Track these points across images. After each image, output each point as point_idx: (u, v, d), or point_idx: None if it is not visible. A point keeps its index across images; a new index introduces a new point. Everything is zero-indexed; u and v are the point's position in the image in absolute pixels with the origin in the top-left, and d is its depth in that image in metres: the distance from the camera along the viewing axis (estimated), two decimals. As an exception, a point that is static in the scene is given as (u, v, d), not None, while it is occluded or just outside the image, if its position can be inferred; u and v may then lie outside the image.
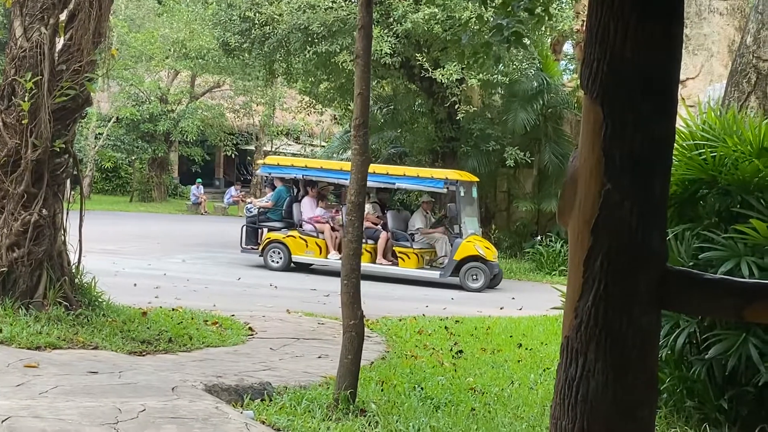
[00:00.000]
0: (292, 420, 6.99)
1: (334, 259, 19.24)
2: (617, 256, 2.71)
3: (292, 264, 19.64)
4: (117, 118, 37.87)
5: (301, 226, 19.95)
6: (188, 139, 38.97)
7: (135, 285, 14.43)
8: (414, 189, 20.13)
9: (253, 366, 8.91)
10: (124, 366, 8.24)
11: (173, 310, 11.74)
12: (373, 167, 20.15)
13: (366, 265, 19.22)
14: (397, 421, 7.13)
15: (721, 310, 3.04)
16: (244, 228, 21.07)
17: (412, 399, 7.90)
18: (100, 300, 10.33)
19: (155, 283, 15.10)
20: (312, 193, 20.45)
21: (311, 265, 19.83)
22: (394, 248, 19.60)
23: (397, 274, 19.25)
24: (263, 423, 6.94)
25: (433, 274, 19.28)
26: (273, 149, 44.76)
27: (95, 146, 37.63)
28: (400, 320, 13.01)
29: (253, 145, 44.35)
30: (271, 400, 7.61)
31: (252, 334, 10.86)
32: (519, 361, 10.39)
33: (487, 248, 19.20)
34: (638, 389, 2.73)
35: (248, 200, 21.79)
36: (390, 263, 19.58)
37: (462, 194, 19.27)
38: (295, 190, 20.89)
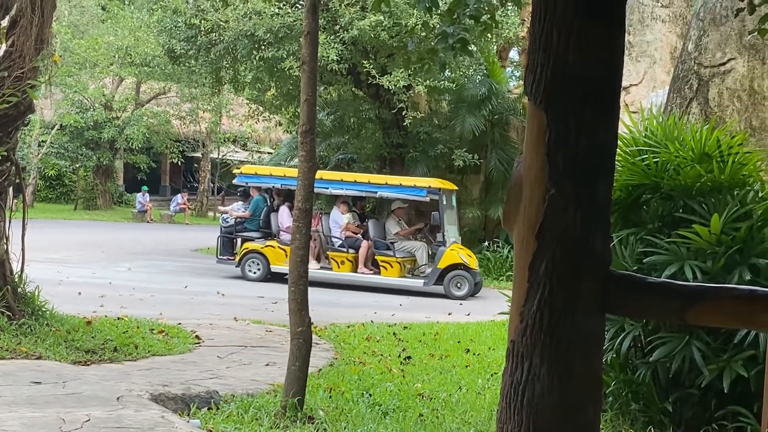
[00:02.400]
0: (239, 428, 6.96)
1: (314, 269, 19.22)
2: (561, 261, 2.73)
3: (269, 275, 19.42)
4: (61, 125, 37.40)
5: (278, 236, 19.71)
6: (133, 147, 38.58)
7: (79, 294, 14.25)
8: (396, 198, 19.95)
9: (200, 374, 8.85)
10: (69, 376, 8.13)
11: (118, 319, 11.62)
12: (354, 176, 20.16)
13: (348, 275, 19.25)
14: (345, 428, 7.13)
15: (664, 313, 3.07)
16: (220, 238, 20.75)
17: (360, 405, 7.90)
18: (43, 309, 10.19)
19: (100, 291, 14.92)
20: (289, 203, 20.29)
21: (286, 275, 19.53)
22: (376, 257, 19.52)
23: (379, 283, 19.14)
24: (210, 432, 6.89)
25: (417, 283, 19.20)
26: (220, 156, 44.50)
27: (38, 154, 37.13)
28: (349, 327, 12.99)
29: (200, 152, 44.07)
30: (218, 409, 7.57)
31: (199, 343, 10.78)
32: (467, 366, 10.44)
33: (470, 256, 19.24)
34: (583, 392, 2.75)
35: (223, 209, 21.40)
36: (372, 272, 19.50)
37: (444, 202, 19.31)
38: (270, 200, 20.65)
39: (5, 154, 9.62)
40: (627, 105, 18.23)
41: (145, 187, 38.91)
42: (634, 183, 7.30)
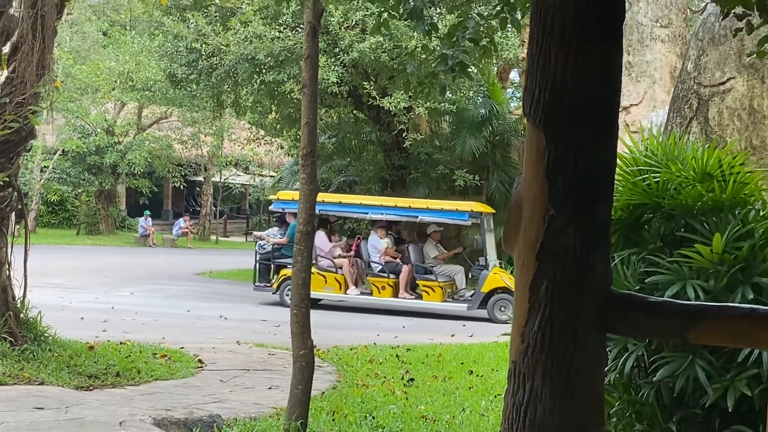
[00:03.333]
0: (242, 452, 6.93)
1: (354, 295, 19.21)
2: (562, 281, 2.73)
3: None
4: (63, 150, 37.48)
5: (316, 262, 19.37)
6: (136, 171, 38.66)
7: (82, 319, 14.24)
8: (437, 222, 19.69)
9: (203, 398, 8.83)
10: (71, 401, 8.11)
11: (121, 343, 11.60)
12: (394, 200, 19.94)
13: (389, 300, 19.06)
14: (348, 451, 7.10)
15: (665, 332, 3.07)
16: (257, 265, 20.52)
17: (364, 428, 7.87)
18: (46, 335, 10.18)
19: (103, 316, 14.90)
20: (326, 228, 20.21)
21: (320, 300, 19.28)
22: (417, 281, 19.37)
23: (422, 308, 18.94)
24: (213, 456, 6.87)
25: (460, 308, 18.99)
26: (222, 180, 44.54)
27: (41, 179, 37.19)
28: (351, 349, 12.97)
29: (202, 176, 44.12)
30: (221, 433, 7.54)
31: (201, 367, 10.76)
32: (470, 387, 10.40)
33: (511, 279, 19.16)
34: (585, 412, 2.75)
35: (260, 236, 21.14)
36: (413, 297, 19.38)
37: (485, 225, 19.25)
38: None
39: (7, 179, 9.64)
40: (627, 125, 18.28)
41: (147, 212, 38.94)
42: (634, 203, 7.29)
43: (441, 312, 19.03)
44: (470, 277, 19.65)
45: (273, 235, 20.91)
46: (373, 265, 19.66)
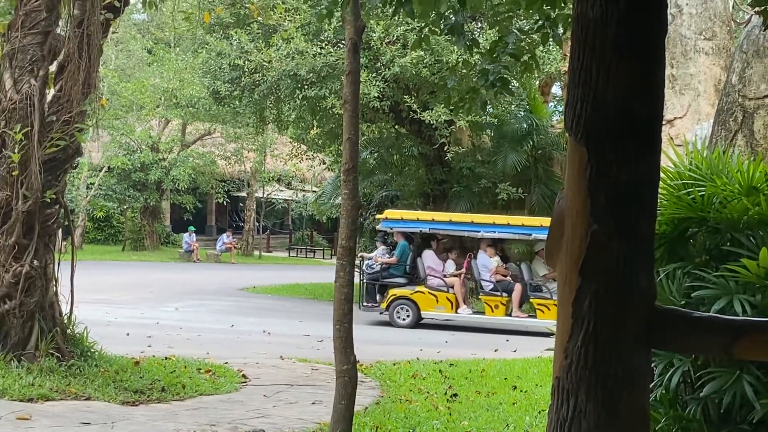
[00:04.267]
0: (286, 468, 6.94)
1: (466, 314, 19.21)
2: (605, 297, 2.72)
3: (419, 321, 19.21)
4: (108, 167, 37.94)
5: (426, 281, 19.48)
6: (180, 187, 39.03)
7: (128, 334, 14.36)
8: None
9: (247, 413, 8.86)
10: (117, 416, 8.18)
11: (166, 358, 11.68)
12: (507, 218, 19.67)
13: (501, 319, 18.92)
14: (392, 467, 7.09)
15: (709, 347, 3.05)
16: (365, 285, 20.37)
17: (407, 444, 7.85)
18: (92, 350, 10.29)
19: (148, 332, 15.03)
20: (434, 246, 20.15)
21: (421, 319, 19.38)
22: (531, 300, 19.20)
23: (538, 327, 18.25)
24: (257, 471, 6.89)
25: None
26: (264, 195, 44.80)
27: (87, 196, 37.66)
28: (394, 364, 12.95)
29: (245, 191, 44.40)
30: (265, 448, 7.56)
31: (245, 382, 10.81)
32: (514, 403, 10.34)
33: None
34: (630, 429, 2.72)
35: (367, 256, 21.07)
36: (527, 316, 19.22)
37: None
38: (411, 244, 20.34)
39: (54, 196, 9.77)
40: (671, 138, 18.11)
41: (191, 227, 39.25)
42: (679, 216, 7.22)
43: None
44: None
45: (380, 255, 20.73)
46: (484, 283, 19.48)
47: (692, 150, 7.79)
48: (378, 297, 20.24)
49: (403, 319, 19.28)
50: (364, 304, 20.19)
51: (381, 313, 19.72)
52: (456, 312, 19.33)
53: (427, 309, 19.25)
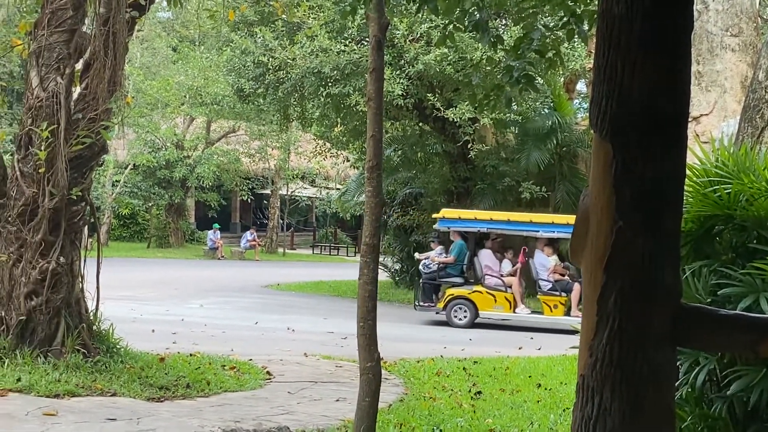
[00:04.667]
0: (310, 464, 6.96)
1: (525, 314, 19.18)
2: (630, 294, 2.70)
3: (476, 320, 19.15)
4: (134, 165, 38.16)
5: (483, 281, 19.39)
6: (204, 185, 39.18)
7: (153, 331, 14.44)
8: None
9: (272, 410, 8.89)
10: (143, 413, 8.23)
11: (191, 355, 11.73)
12: (566, 218, 19.21)
13: (560, 318, 18.72)
14: (416, 464, 7.09)
15: (735, 345, 3.03)
16: (421, 284, 20.35)
17: (431, 441, 7.85)
18: (118, 347, 10.35)
19: (173, 328, 15.10)
20: (490, 246, 20.05)
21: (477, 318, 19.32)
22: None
23: None
24: (282, 468, 6.91)
25: None
26: (288, 193, 44.90)
27: (112, 193, 37.88)
28: (418, 362, 12.94)
29: (269, 189, 44.52)
30: (289, 445, 7.58)
31: (270, 378, 10.84)
32: (538, 401, 10.31)
33: None
34: (655, 427, 2.71)
35: (423, 256, 21.02)
36: None
37: None
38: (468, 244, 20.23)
39: (80, 194, 9.83)
40: (698, 135, 18.01)
41: (216, 225, 39.39)
42: (705, 214, 7.17)
43: None
44: None
45: (437, 255, 20.63)
46: (542, 283, 19.40)
47: (718, 147, 7.74)
48: (434, 297, 20.12)
49: (461, 319, 19.14)
50: (420, 303, 20.15)
51: (437, 313, 19.60)
52: (514, 312, 19.25)
53: (485, 309, 19.14)
